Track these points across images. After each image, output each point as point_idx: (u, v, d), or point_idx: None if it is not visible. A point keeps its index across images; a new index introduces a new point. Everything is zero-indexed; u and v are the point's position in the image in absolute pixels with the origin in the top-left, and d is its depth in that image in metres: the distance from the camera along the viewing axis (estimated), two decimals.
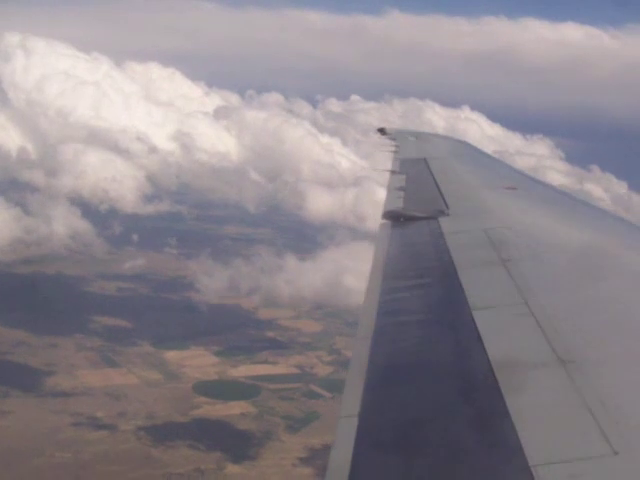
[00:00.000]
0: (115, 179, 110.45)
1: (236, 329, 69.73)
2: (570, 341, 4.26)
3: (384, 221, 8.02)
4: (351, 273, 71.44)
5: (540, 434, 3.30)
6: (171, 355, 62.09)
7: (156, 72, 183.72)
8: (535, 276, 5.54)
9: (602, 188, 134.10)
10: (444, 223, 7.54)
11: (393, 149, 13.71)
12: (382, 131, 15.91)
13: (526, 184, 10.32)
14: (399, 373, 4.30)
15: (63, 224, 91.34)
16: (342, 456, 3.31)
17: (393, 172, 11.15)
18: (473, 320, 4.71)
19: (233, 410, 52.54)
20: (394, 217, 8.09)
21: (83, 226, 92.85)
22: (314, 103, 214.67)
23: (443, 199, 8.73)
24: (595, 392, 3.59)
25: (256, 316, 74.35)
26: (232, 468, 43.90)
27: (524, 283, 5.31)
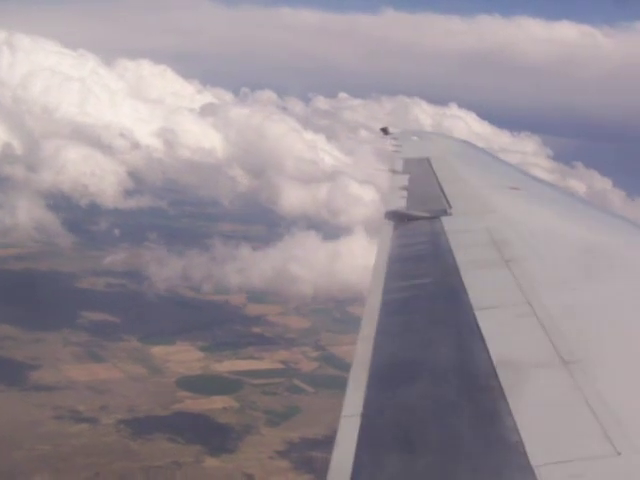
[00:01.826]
0: (95, 174, 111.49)
1: (223, 325, 70.15)
2: (573, 341, 4.26)
3: (387, 220, 8.01)
4: (334, 268, 72.80)
5: (542, 434, 3.31)
6: (157, 350, 62.41)
7: (147, 69, 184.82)
8: (538, 276, 5.56)
9: (585, 184, 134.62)
10: (447, 223, 7.53)
11: (395, 148, 13.65)
12: (385, 131, 15.68)
13: (530, 184, 10.36)
14: (402, 373, 4.32)
15: (40, 219, 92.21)
16: (344, 456, 3.32)
17: (396, 172, 11.14)
18: (476, 320, 4.72)
19: (215, 404, 52.88)
20: (397, 217, 8.07)
21: (63, 221, 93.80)
22: (307, 101, 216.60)
23: (446, 199, 8.72)
24: (598, 392, 3.59)
25: (244, 312, 74.72)
26: (210, 461, 44.29)
27: (527, 283, 5.32)
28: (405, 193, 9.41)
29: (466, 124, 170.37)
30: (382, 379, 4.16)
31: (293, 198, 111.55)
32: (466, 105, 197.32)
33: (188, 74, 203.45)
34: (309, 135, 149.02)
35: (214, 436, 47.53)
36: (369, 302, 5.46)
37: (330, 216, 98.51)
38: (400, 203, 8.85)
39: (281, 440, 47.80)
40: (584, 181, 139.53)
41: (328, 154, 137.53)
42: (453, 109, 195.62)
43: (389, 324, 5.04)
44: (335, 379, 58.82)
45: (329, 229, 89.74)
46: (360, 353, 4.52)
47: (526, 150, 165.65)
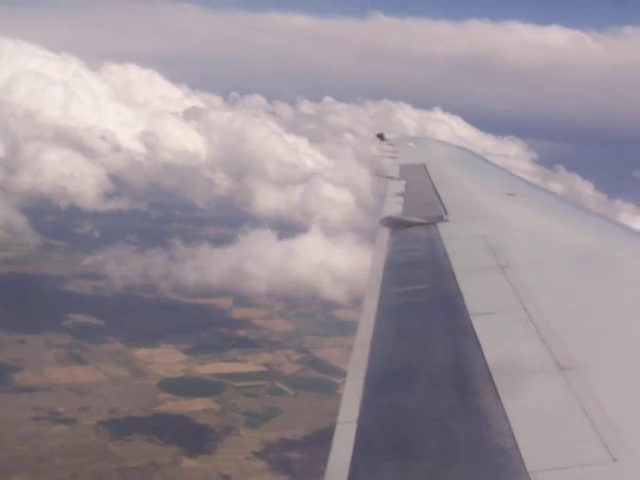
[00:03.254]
0: (74, 176, 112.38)
1: (208, 328, 70.41)
2: (569, 347, 4.26)
3: (383, 227, 7.99)
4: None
5: (539, 440, 3.32)
6: (140, 353, 62.63)
7: (134, 73, 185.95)
8: (534, 282, 5.57)
9: (565, 187, 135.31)
10: (443, 229, 7.52)
11: (389, 154, 13.69)
12: (381, 137, 15.67)
13: (525, 190, 10.35)
14: (398, 379, 4.31)
15: (19, 221, 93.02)
16: (340, 463, 3.34)
17: (392, 178, 11.13)
18: (472, 326, 4.72)
19: (196, 406, 53.16)
20: (393, 223, 8.07)
21: (43, 224, 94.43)
22: (296, 105, 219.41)
23: (442, 205, 8.73)
24: (594, 398, 3.59)
25: (229, 315, 75.15)
26: (188, 462, 44.57)
27: (523, 289, 5.32)
28: (401, 199, 9.42)
29: (450, 128, 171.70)
30: (378, 385, 4.18)
31: (269, 201, 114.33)
32: (453, 109, 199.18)
33: (177, 78, 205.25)
34: (291, 138, 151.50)
35: (193, 437, 47.81)
36: (365, 308, 5.46)
37: (303, 218, 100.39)
38: (396, 209, 8.84)
39: (259, 441, 48.15)
40: (564, 184, 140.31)
41: (310, 157, 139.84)
42: (437, 113, 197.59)
43: (385, 330, 5.03)
44: (316, 381, 59.31)
45: (301, 230, 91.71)
46: (356, 359, 4.53)
47: (509, 154, 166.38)
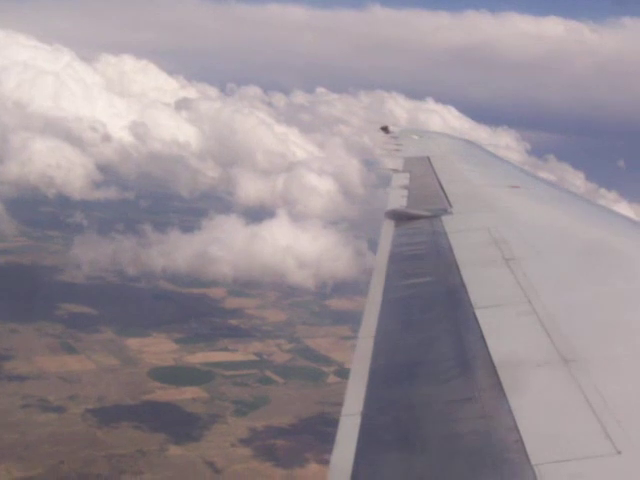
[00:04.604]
0: (61, 166, 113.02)
1: (201, 317, 70.73)
2: (573, 340, 4.27)
3: (388, 219, 8.01)
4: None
5: (543, 433, 3.32)
6: (132, 342, 62.88)
7: (129, 64, 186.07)
8: (538, 275, 5.55)
9: (556, 177, 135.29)
10: (447, 222, 7.53)
11: (396, 147, 13.71)
12: (385, 129, 15.72)
13: (530, 183, 10.38)
14: (402, 372, 4.34)
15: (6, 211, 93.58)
16: (345, 454, 3.36)
17: (396, 170, 11.15)
18: (476, 319, 4.73)
19: (185, 395, 53.45)
20: (397, 215, 8.10)
21: (32, 214, 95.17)
22: (291, 96, 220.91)
23: (446, 197, 8.74)
24: (598, 391, 3.59)
25: (222, 305, 75.43)
26: (174, 449, 44.86)
27: (527, 282, 5.33)
28: (406, 192, 9.43)
29: (442, 118, 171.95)
30: (382, 378, 4.20)
31: (254, 189, 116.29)
32: (447, 100, 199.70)
33: (174, 70, 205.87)
34: (281, 128, 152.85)
35: (180, 425, 48.10)
36: (370, 300, 5.49)
37: (285, 206, 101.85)
38: (401, 202, 8.86)
39: (246, 429, 48.42)
40: (555, 174, 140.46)
41: (300, 147, 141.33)
42: (430, 104, 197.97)
43: (390, 323, 5.06)
44: (306, 370, 59.62)
45: (281, 218, 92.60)
46: (361, 351, 4.55)
47: (499, 143, 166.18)
